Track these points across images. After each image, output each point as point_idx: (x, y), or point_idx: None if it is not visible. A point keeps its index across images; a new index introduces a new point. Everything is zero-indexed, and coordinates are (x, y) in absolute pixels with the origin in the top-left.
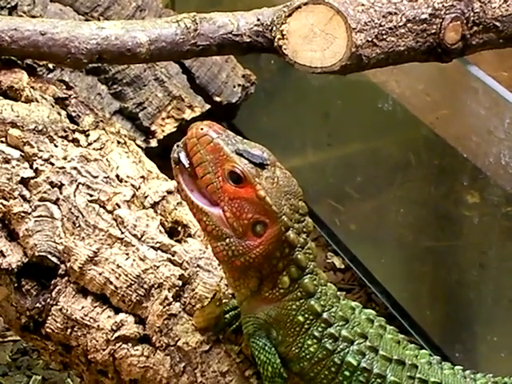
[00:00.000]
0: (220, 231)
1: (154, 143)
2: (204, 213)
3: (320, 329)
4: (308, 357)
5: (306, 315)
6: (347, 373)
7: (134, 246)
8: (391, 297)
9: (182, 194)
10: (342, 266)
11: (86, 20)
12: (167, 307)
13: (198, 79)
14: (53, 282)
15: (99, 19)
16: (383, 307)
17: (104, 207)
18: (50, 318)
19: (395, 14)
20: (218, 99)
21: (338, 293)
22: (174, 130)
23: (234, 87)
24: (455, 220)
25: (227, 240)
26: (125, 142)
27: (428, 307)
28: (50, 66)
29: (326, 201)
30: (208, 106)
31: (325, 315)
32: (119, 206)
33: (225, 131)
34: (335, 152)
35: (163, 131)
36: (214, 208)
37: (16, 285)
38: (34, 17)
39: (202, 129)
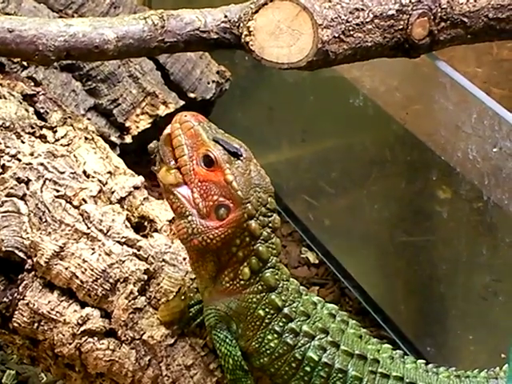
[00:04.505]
0: (184, 209)
1: (128, 139)
2: (172, 191)
3: (281, 324)
4: (268, 352)
5: (267, 309)
6: (308, 368)
7: (99, 240)
8: (364, 292)
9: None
10: (316, 261)
11: (60, 17)
12: (132, 301)
13: (173, 76)
14: (20, 276)
15: (73, 16)
16: (356, 302)
17: (70, 202)
18: (17, 312)
19: (362, 10)
20: (192, 95)
21: (301, 288)
22: (149, 126)
23: (209, 83)
24: (428, 215)
25: (189, 217)
26: (92, 138)
27: (401, 302)
28: (24, 63)
29: (300, 196)
30: (182, 103)
31: (286, 310)
32: (85, 202)
33: (208, 122)
34: (310, 148)
35: (138, 127)
36: (182, 188)
37: None
38: (8, 14)
39: (186, 116)
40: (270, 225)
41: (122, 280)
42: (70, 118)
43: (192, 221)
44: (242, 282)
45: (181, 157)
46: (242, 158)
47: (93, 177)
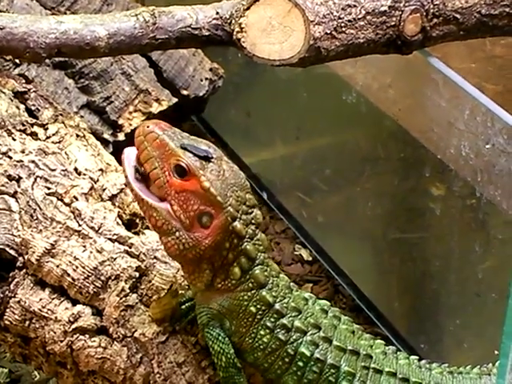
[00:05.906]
0: (170, 225)
1: (121, 137)
2: (153, 208)
3: (272, 319)
4: (261, 347)
5: (258, 306)
6: (301, 363)
7: (91, 238)
8: (358, 289)
9: (132, 192)
10: (310, 258)
11: (53, 14)
12: (124, 298)
13: (165, 73)
14: (11, 274)
15: (66, 13)
16: (350, 299)
17: (62, 200)
18: (8, 310)
19: (354, 6)
20: (185, 93)
21: (291, 284)
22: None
23: (202, 81)
24: (421, 212)
25: (177, 234)
26: (84, 136)
27: (394, 299)
28: (16, 60)
29: (294, 193)
30: (175, 100)
31: (277, 306)
32: (77, 199)
33: (171, 128)
34: (303, 145)
35: (130, 125)
36: (162, 203)
37: None
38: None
39: (148, 126)
40: (253, 221)
41: (113, 277)
42: (61, 115)
43: (180, 236)
44: (233, 282)
45: (152, 170)
46: (212, 159)
47: (84, 174)
